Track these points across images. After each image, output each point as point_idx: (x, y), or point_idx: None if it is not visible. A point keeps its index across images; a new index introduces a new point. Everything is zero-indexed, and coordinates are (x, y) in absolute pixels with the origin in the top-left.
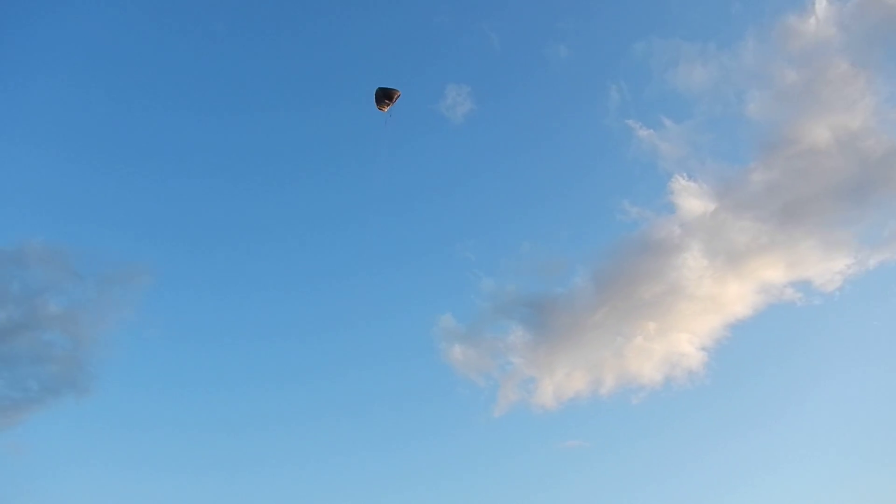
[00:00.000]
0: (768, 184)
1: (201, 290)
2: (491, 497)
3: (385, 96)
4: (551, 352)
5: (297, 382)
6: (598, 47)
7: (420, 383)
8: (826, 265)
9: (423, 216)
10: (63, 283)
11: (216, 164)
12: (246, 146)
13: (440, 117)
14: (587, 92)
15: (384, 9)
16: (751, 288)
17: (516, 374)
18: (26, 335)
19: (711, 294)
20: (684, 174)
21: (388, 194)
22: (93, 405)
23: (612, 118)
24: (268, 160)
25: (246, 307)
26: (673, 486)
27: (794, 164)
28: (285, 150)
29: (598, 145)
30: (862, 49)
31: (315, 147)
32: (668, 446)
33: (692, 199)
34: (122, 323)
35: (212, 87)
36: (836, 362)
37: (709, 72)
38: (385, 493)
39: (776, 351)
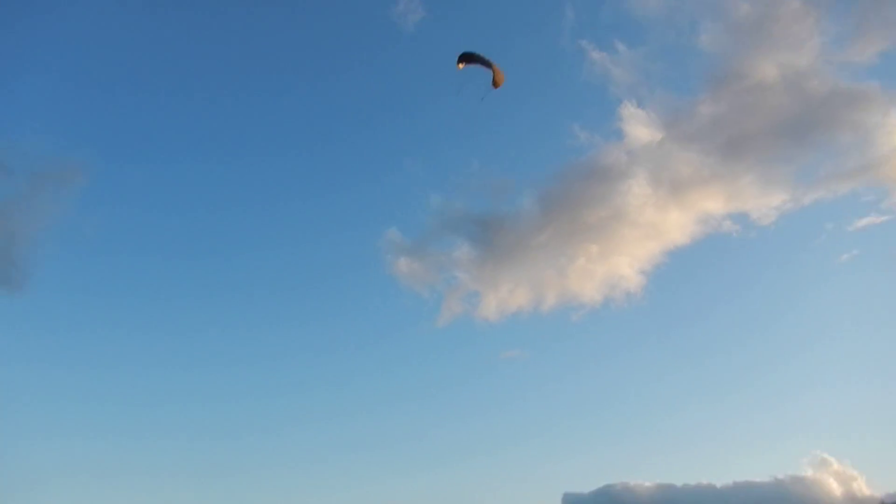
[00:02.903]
0: (714, 117)
1: (139, 195)
2: (433, 401)
3: (469, 59)
4: (496, 268)
5: (240, 294)
6: None
7: (366, 294)
8: (763, 200)
9: (372, 131)
10: None
11: (161, 67)
12: (195, 52)
13: (391, 25)
14: (542, 9)
15: None
16: (691, 217)
17: (461, 287)
18: None
19: (653, 221)
20: (634, 101)
21: (338, 107)
22: (24, 302)
23: (566, 38)
24: (215, 65)
25: (189, 218)
26: (606, 398)
27: (741, 99)
28: (234, 55)
29: (551, 65)
30: None
31: (265, 59)
32: (605, 360)
33: (640, 128)
34: (55, 222)
35: None
36: (764, 292)
37: None
38: (331, 393)
39: (710, 278)
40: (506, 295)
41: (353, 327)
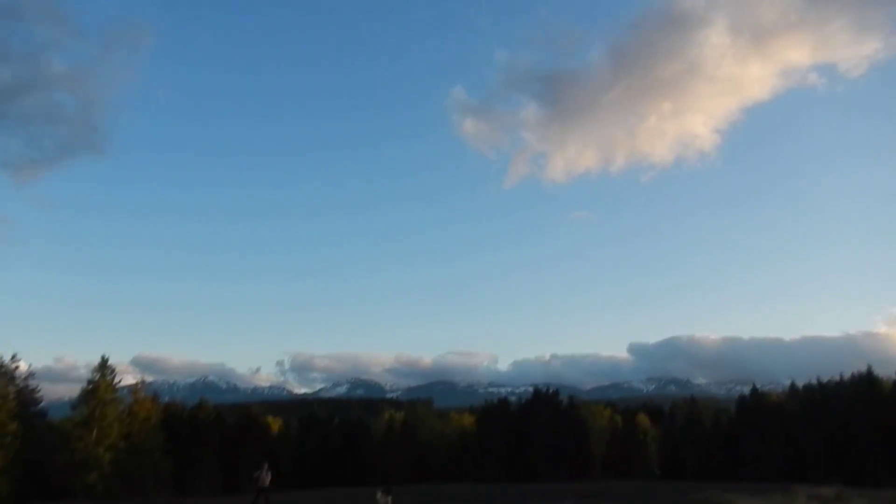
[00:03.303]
0: None
1: (208, 55)
2: (499, 262)
3: None
4: (563, 128)
5: (309, 156)
6: None
7: (432, 156)
8: (854, 49)
9: None
10: (64, 41)
11: None
12: None
13: None
14: None
15: None
16: (772, 70)
17: (528, 148)
18: (35, 95)
19: (731, 75)
20: None
21: None
22: (107, 164)
23: None
24: None
25: (258, 78)
26: (674, 257)
27: None
28: None
29: None
30: None
31: None
32: (674, 221)
33: None
34: (128, 85)
35: None
36: (847, 150)
37: None
38: (399, 251)
39: (791, 136)
40: (573, 156)
41: (422, 187)
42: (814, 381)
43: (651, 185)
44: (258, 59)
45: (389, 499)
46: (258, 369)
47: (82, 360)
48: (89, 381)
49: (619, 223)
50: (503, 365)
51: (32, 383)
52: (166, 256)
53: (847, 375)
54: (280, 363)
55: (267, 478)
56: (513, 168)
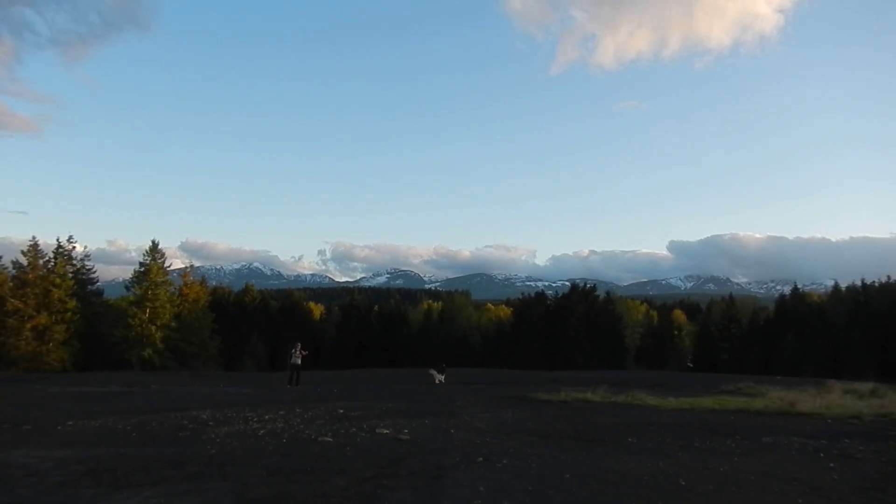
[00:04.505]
0: None
1: None
2: (544, 152)
3: None
4: (616, 5)
5: (356, 42)
6: None
7: (479, 36)
8: None
9: None
10: None
11: None
12: None
13: None
14: None
15: None
16: None
17: (577, 29)
18: None
19: None
20: None
21: None
22: (154, 44)
23: None
24: None
25: None
26: (728, 155)
27: None
28: None
29: None
30: None
31: None
32: (730, 115)
33: None
34: None
35: None
36: None
37: None
38: (438, 144)
39: (861, 24)
40: (625, 38)
41: (466, 64)
42: (858, 283)
43: (705, 72)
44: None
45: (443, 377)
46: (301, 257)
47: (133, 244)
48: (141, 264)
49: (669, 114)
50: (541, 260)
51: (88, 264)
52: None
53: (894, 277)
54: (322, 252)
55: (299, 357)
56: (560, 52)
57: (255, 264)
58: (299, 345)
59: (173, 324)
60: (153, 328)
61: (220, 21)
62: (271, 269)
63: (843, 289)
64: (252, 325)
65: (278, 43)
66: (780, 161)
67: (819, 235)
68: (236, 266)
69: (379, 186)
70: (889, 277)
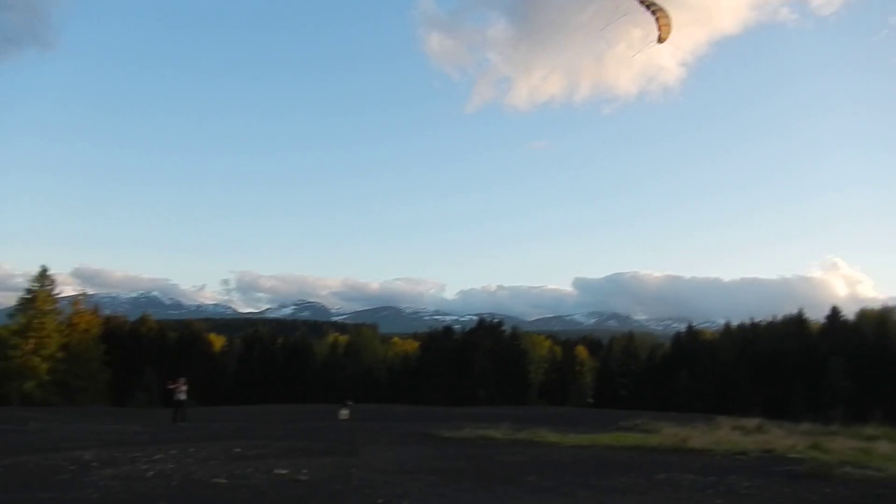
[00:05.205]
0: None
1: None
2: (456, 188)
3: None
4: (531, 51)
5: (274, 74)
6: None
7: (396, 73)
8: None
9: None
10: None
11: None
12: None
13: None
14: None
15: None
16: (746, 1)
17: (493, 71)
18: None
19: (704, 4)
20: None
21: None
22: (56, 61)
23: None
24: None
25: None
26: (631, 196)
27: None
28: None
29: None
30: None
31: None
32: (633, 158)
33: None
34: None
35: None
36: (805, 87)
37: None
38: (351, 173)
39: (755, 71)
40: (539, 82)
41: (382, 99)
42: (747, 322)
43: (612, 117)
44: None
45: (348, 413)
46: (203, 287)
47: (20, 268)
48: (28, 291)
49: (577, 155)
50: (450, 293)
51: None
52: (109, 162)
53: (780, 317)
54: (225, 281)
55: (184, 393)
56: (476, 92)
57: (154, 293)
58: (182, 379)
59: (60, 355)
60: (37, 359)
61: (118, 47)
62: (171, 299)
63: (734, 327)
64: (147, 358)
65: (185, 70)
66: (677, 202)
67: (713, 276)
68: (133, 294)
69: (287, 215)
70: (775, 317)
